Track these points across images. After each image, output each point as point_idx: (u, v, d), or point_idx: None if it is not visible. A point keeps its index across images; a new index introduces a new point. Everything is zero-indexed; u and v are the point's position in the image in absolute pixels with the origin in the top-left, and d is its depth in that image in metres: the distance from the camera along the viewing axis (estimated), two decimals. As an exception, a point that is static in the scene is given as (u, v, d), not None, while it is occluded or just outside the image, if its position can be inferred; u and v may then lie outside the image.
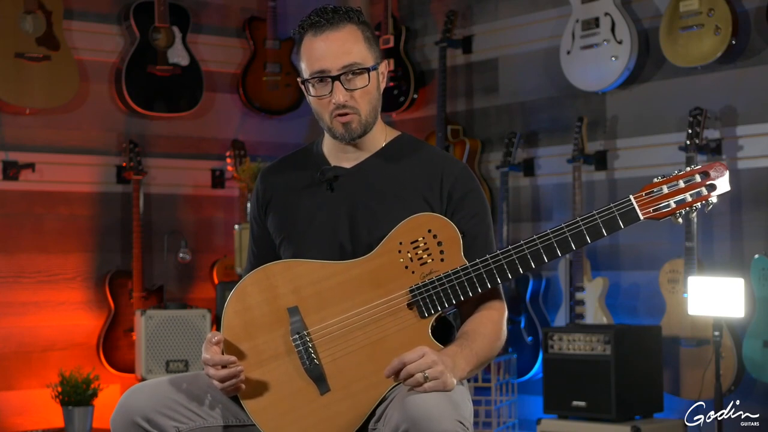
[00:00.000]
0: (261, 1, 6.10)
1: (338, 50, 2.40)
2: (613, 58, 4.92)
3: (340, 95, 2.41)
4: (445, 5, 5.74)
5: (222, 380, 2.35)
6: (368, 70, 2.43)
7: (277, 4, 6.02)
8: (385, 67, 2.51)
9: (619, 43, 4.90)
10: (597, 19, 4.97)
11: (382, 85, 2.50)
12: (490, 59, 5.60)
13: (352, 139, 2.46)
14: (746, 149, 4.60)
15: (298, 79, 2.52)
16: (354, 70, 2.41)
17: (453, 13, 5.60)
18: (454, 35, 5.59)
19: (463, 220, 2.42)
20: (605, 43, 4.94)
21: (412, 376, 2.20)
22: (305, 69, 2.45)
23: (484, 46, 5.62)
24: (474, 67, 5.67)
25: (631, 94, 5.01)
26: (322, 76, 2.41)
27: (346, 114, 2.43)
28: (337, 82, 2.41)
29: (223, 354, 2.38)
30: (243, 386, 2.37)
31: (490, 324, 2.41)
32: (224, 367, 2.35)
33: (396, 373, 2.22)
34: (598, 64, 4.97)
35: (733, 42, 4.54)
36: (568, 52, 5.07)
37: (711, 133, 4.65)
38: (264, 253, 2.57)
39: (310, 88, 2.45)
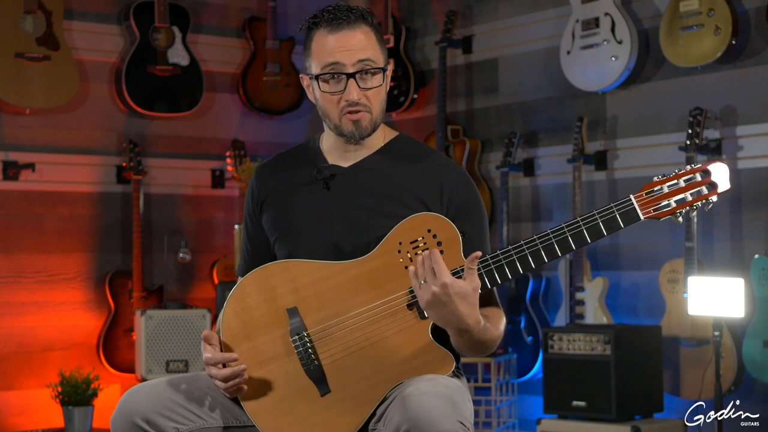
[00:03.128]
0: (261, 1, 6.09)
1: (354, 46, 2.39)
2: (613, 58, 4.92)
3: (354, 93, 2.39)
4: (445, 5, 5.73)
5: (225, 380, 2.34)
6: (383, 70, 2.43)
7: (277, 4, 6.01)
8: (390, 69, 2.51)
9: (619, 43, 4.90)
10: (597, 19, 4.96)
11: (388, 87, 2.51)
12: (490, 59, 5.59)
13: (362, 137, 2.45)
14: (746, 149, 4.59)
15: (302, 75, 2.49)
16: (369, 69, 2.40)
17: (453, 13, 5.59)
18: (454, 35, 5.58)
19: (463, 226, 2.41)
20: (605, 43, 4.94)
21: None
22: (315, 64, 2.43)
23: (484, 46, 5.61)
24: (474, 67, 5.66)
25: (631, 94, 5.00)
26: (335, 72, 2.40)
27: (358, 111, 2.41)
28: (351, 80, 2.39)
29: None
30: (245, 387, 2.36)
31: (495, 319, 2.40)
32: (226, 366, 2.34)
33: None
34: (598, 64, 4.97)
35: (733, 42, 4.54)
36: (568, 52, 5.07)
37: (711, 133, 4.65)
38: (259, 251, 2.56)
39: (321, 84, 2.42)
